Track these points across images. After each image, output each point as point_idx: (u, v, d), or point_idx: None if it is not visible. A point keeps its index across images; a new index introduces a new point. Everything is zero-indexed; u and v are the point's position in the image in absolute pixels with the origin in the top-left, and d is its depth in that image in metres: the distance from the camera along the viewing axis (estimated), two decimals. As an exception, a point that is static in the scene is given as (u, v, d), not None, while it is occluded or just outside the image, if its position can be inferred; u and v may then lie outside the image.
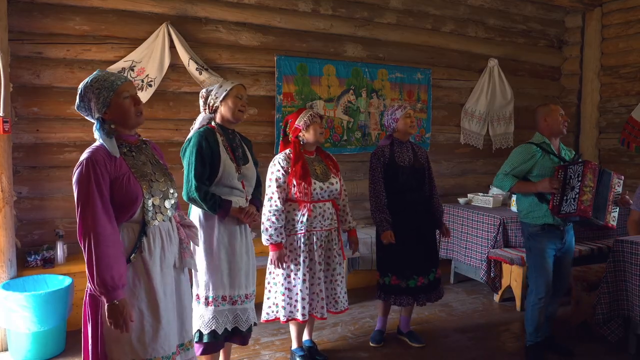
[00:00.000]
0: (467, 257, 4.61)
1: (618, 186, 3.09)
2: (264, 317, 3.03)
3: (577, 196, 2.97)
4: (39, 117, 3.68)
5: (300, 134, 2.99)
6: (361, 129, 4.90)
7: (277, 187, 2.90)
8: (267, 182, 2.94)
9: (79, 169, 1.81)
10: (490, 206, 4.78)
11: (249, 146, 2.78)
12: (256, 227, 2.83)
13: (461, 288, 4.75)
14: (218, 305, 2.57)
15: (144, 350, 1.89)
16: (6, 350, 3.29)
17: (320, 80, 4.64)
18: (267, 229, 2.87)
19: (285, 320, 2.98)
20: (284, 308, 2.96)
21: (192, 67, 3.93)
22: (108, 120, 1.89)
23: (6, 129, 3.19)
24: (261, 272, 3.13)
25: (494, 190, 5.09)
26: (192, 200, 2.52)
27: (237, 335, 2.70)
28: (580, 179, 2.98)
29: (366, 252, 4.51)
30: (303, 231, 2.94)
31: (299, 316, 2.95)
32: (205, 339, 2.59)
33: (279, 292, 2.98)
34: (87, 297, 1.87)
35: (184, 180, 2.54)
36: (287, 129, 3.06)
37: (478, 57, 5.51)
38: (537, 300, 3.18)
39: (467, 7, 5.39)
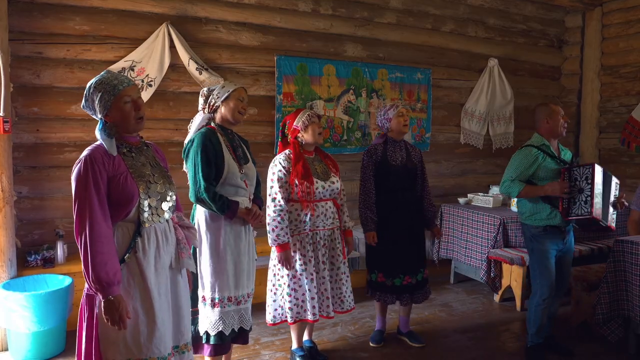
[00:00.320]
0: (467, 257, 4.61)
1: (616, 189, 3.12)
2: (270, 320, 3.02)
3: (588, 199, 2.99)
4: (39, 117, 3.68)
5: (299, 134, 2.99)
6: (361, 129, 4.90)
7: (280, 187, 2.90)
8: (269, 183, 2.94)
9: (77, 166, 1.84)
10: (490, 206, 4.78)
11: (247, 146, 2.79)
12: (258, 226, 2.83)
13: (461, 288, 4.75)
14: (224, 307, 2.57)
15: (139, 350, 1.89)
16: (6, 350, 3.29)
17: (320, 80, 4.64)
18: (273, 230, 2.86)
19: (293, 321, 2.96)
20: (291, 309, 2.94)
21: (192, 67, 3.93)
22: (110, 123, 1.92)
23: (6, 129, 3.19)
24: (260, 272, 3.13)
25: (494, 190, 5.09)
26: (200, 201, 2.50)
27: (240, 335, 2.71)
28: (590, 182, 2.99)
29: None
30: (307, 231, 2.94)
31: (310, 316, 2.93)
32: (212, 341, 2.58)
33: (285, 294, 2.95)
34: (84, 297, 1.89)
35: (190, 182, 2.53)
36: (286, 130, 3.06)
37: (478, 56, 5.51)
38: (540, 301, 3.17)
39: (467, 6, 5.39)
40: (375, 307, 3.58)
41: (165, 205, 2.01)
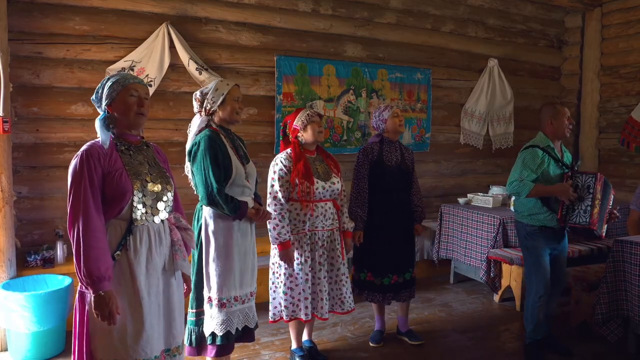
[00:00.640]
0: (467, 257, 4.61)
1: (611, 199, 3.13)
2: (270, 317, 3.04)
3: (588, 209, 3.01)
4: (38, 117, 3.68)
5: (299, 134, 3.00)
6: (361, 129, 4.90)
7: (280, 185, 2.90)
8: (270, 181, 2.94)
9: (74, 160, 1.87)
10: (490, 206, 4.78)
11: (244, 144, 2.78)
12: (259, 225, 2.83)
13: (461, 288, 4.75)
14: (231, 307, 2.57)
15: (125, 351, 1.88)
16: (6, 350, 3.29)
17: (320, 80, 4.64)
18: (274, 228, 2.86)
19: (288, 319, 2.98)
20: (287, 308, 2.96)
21: (192, 67, 3.93)
22: (111, 114, 1.94)
23: (6, 129, 3.19)
24: (261, 272, 3.13)
25: (494, 190, 5.09)
26: (213, 204, 2.49)
27: (245, 333, 2.70)
28: (592, 191, 3.01)
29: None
30: (305, 231, 2.94)
31: (302, 316, 2.95)
32: (219, 341, 2.57)
33: (282, 292, 2.98)
34: (77, 295, 1.90)
35: (200, 186, 2.51)
36: (287, 130, 3.06)
37: (478, 57, 5.51)
38: (537, 298, 3.19)
39: (467, 7, 5.39)
40: (373, 307, 3.58)
41: (160, 205, 2.00)
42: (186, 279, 2.28)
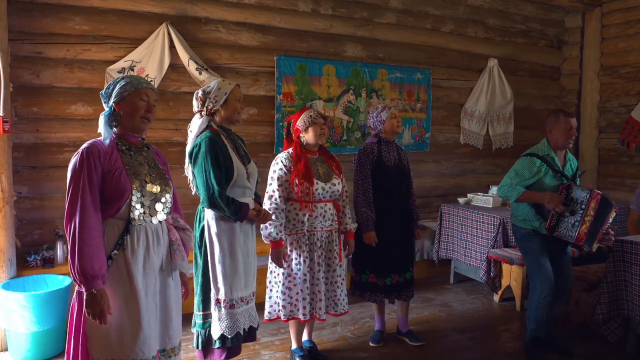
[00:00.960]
0: (467, 257, 4.61)
1: (612, 217, 3.06)
2: (266, 316, 3.04)
3: (577, 224, 2.99)
4: (38, 117, 3.68)
5: (301, 134, 3.00)
6: (361, 129, 4.90)
7: (279, 185, 2.89)
8: (269, 180, 2.94)
9: (74, 158, 1.88)
10: (490, 206, 4.78)
11: (244, 145, 2.78)
12: (259, 226, 2.83)
13: (461, 288, 4.75)
14: (239, 308, 2.58)
15: (122, 351, 1.88)
16: (6, 350, 3.29)
17: (320, 80, 4.64)
18: (266, 227, 2.86)
19: (285, 319, 2.99)
20: (285, 307, 2.96)
21: (191, 67, 3.93)
22: (117, 112, 1.95)
23: (6, 129, 3.19)
24: (260, 272, 3.13)
25: (494, 190, 5.09)
26: (215, 206, 2.49)
27: (249, 333, 2.72)
28: (584, 207, 2.98)
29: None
30: (304, 231, 2.94)
31: (300, 316, 2.96)
32: (229, 343, 2.57)
33: (280, 291, 2.98)
34: (75, 294, 1.90)
35: (201, 188, 2.50)
36: (291, 129, 3.06)
37: (478, 57, 5.51)
38: (541, 299, 3.19)
39: (466, 7, 5.39)
40: (374, 307, 3.58)
41: (159, 206, 2.01)
42: (184, 280, 2.26)
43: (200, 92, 2.62)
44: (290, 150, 3.01)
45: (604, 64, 5.82)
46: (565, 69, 6.12)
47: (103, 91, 2.00)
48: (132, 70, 3.80)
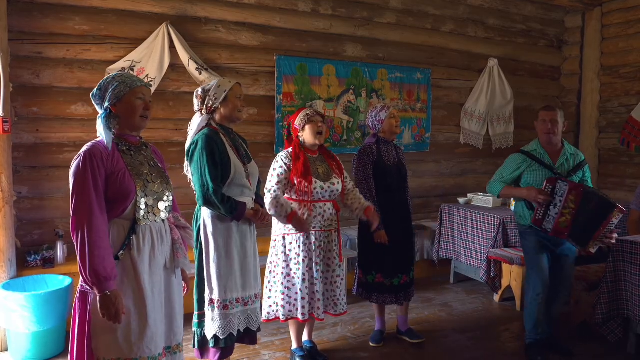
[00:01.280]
0: (467, 257, 4.61)
1: (616, 219, 3.02)
2: (264, 316, 3.03)
3: (555, 216, 3.04)
4: (39, 117, 3.68)
5: (299, 134, 3.00)
6: (361, 129, 4.90)
7: (278, 182, 2.89)
8: (269, 178, 2.93)
9: (76, 161, 1.85)
10: (490, 206, 4.78)
11: (246, 145, 2.77)
12: (260, 227, 2.82)
13: (461, 288, 4.75)
14: (233, 308, 2.56)
15: (130, 349, 1.89)
16: (6, 350, 3.29)
17: (320, 80, 4.64)
18: (276, 215, 2.84)
19: (284, 319, 2.99)
20: (284, 307, 2.96)
21: (192, 67, 3.93)
22: (114, 114, 1.93)
23: (6, 129, 3.19)
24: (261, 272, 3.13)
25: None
26: (209, 204, 2.47)
27: (247, 335, 2.69)
28: (561, 200, 3.01)
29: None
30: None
31: (299, 315, 2.95)
32: (222, 344, 2.55)
33: (279, 291, 2.98)
34: (78, 294, 1.90)
35: (197, 185, 2.49)
36: (291, 129, 3.07)
37: (478, 57, 5.51)
38: (534, 296, 3.22)
39: (466, 7, 5.39)
40: (374, 307, 3.58)
41: (161, 205, 2.01)
42: (185, 277, 2.29)
43: (200, 90, 2.62)
44: (289, 149, 3.01)
45: (604, 64, 5.82)
46: (566, 69, 6.12)
47: (95, 93, 1.96)
48: (132, 70, 3.80)
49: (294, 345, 3.18)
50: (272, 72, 4.42)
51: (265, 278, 3.07)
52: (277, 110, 4.45)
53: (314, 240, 2.96)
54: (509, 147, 5.72)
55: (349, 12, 4.76)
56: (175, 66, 4.00)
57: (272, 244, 3.04)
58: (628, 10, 5.52)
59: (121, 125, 1.96)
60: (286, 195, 2.94)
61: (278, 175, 2.90)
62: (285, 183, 2.90)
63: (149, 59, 3.85)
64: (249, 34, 4.33)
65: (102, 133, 1.90)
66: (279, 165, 2.93)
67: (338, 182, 3.03)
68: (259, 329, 2.73)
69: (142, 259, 1.93)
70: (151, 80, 3.86)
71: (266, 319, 3.03)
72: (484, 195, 4.93)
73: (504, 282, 4.26)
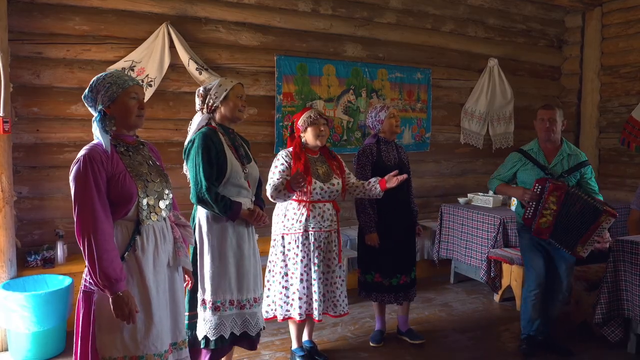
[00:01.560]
0: (467, 257, 4.61)
1: (607, 223, 3.04)
2: (263, 314, 3.03)
3: (537, 214, 3.11)
4: (39, 117, 3.68)
5: (301, 134, 3.00)
6: (361, 129, 4.90)
7: (280, 177, 2.88)
8: (270, 175, 2.93)
9: (76, 165, 1.83)
10: (490, 206, 4.78)
11: (248, 146, 2.77)
12: (259, 228, 2.81)
13: (461, 288, 4.75)
14: (225, 310, 2.52)
15: (136, 347, 1.89)
16: (6, 350, 3.29)
17: (320, 80, 4.64)
18: (281, 197, 2.84)
19: (282, 318, 2.99)
20: (281, 307, 2.97)
21: (192, 67, 3.93)
22: (109, 115, 1.92)
23: (6, 129, 3.19)
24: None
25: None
26: (202, 202, 2.45)
27: (245, 339, 2.65)
28: (541, 200, 3.06)
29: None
30: (301, 231, 2.94)
31: (296, 315, 2.95)
32: (212, 345, 2.53)
33: (277, 291, 2.99)
34: (81, 294, 1.90)
35: (192, 183, 2.48)
36: (294, 128, 3.07)
37: (478, 56, 5.51)
38: (528, 292, 3.28)
39: (466, 6, 5.39)
40: (374, 307, 3.58)
41: (162, 204, 2.01)
42: (187, 272, 2.30)
43: (202, 89, 2.62)
44: (290, 148, 3.02)
45: (604, 63, 5.82)
46: (566, 69, 6.12)
47: (86, 94, 1.94)
48: (132, 70, 3.80)
49: (294, 345, 3.18)
50: (272, 72, 4.42)
51: (265, 277, 3.07)
52: (277, 110, 4.45)
53: (313, 240, 2.96)
54: (509, 147, 5.71)
55: (349, 12, 4.76)
56: (175, 66, 4.00)
57: (272, 243, 3.05)
58: (628, 10, 5.52)
59: (117, 126, 1.94)
60: None
61: (280, 172, 2.90)
62: (287, 179, 2.90)
63: (149, 59, 3.85)
64: (249, 34, 4.33)
65: (98, 136, 1.89)
66: (280, 162, 2.94)
67: (338, 183, 3.03)
68: (258, 335, 2.68)
69: (146, 259, 1.93)
70: (151, 80, 3.86)
71: (264, 317, 3.02)
72: (484, 195, 4.93)
73: (504, 282, 4.26)
